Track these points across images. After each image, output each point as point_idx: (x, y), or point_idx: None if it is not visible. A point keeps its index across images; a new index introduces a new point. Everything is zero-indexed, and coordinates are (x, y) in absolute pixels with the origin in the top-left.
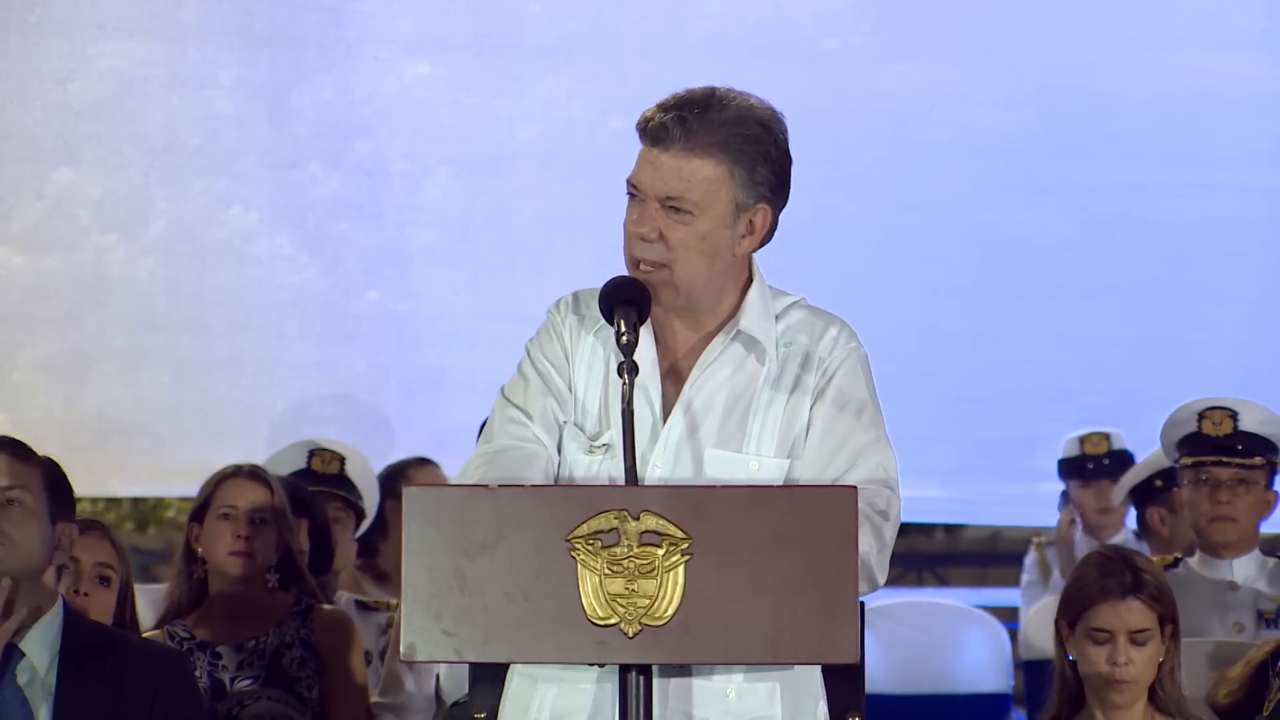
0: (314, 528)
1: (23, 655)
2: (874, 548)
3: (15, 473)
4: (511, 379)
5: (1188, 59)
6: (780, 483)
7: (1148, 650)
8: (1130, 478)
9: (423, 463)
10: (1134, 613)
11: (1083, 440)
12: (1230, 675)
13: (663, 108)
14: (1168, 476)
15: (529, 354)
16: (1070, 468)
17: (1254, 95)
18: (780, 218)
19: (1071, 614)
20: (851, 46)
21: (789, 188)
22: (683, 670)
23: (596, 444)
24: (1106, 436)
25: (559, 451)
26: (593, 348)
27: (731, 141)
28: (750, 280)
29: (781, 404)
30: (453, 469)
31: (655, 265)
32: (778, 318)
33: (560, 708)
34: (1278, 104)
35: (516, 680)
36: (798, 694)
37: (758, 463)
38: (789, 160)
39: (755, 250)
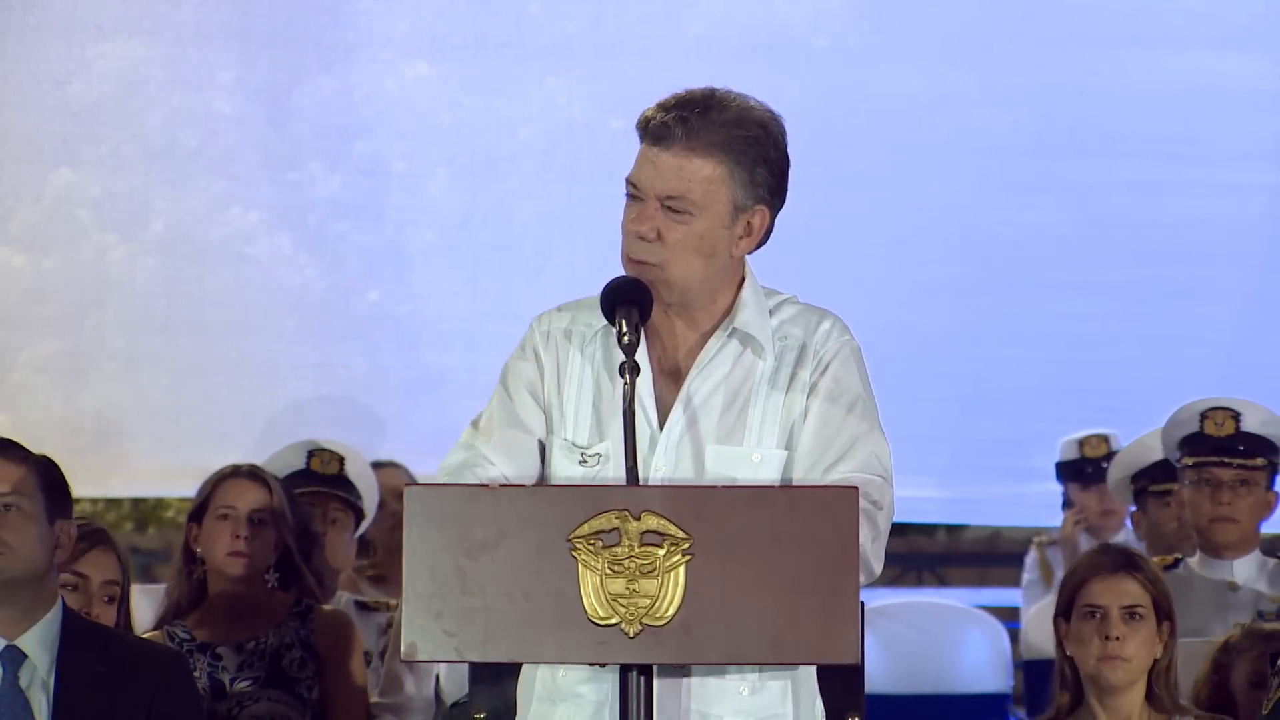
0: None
1: (24, 656)
2: (869, 537)
3: (10, 476)
4: (485, 406)
5: (1186, 58)
6: (782, 474)
7: (1142, 631)
8: (1114, 475)
9: (381, 466)
10: (1126, 588)
11: (1082, 443)
12: (1197, 675)
13: (663, 107)
14: (1137, 478)
15: (503, 380)
16: (1070, 471)
17: (1252, 94)
18: (776, 218)
19: (1066, 600)
20: (849, 46)
21: (786, 190)
22: (699, 669)
23: (589, 454)
24: (1105, 439)
25: (542, 470)
26: (581, 363)
27: (732, 142)
28: (743, 280)
29: (780, 397)
30: None
31: (651, 264)
32: (771, 313)
33: None
34: (1276, 102)
35: (536, 705)
36: (803, 692)
37: (760, 455)
38: (787, 162)
39: (752, 251)
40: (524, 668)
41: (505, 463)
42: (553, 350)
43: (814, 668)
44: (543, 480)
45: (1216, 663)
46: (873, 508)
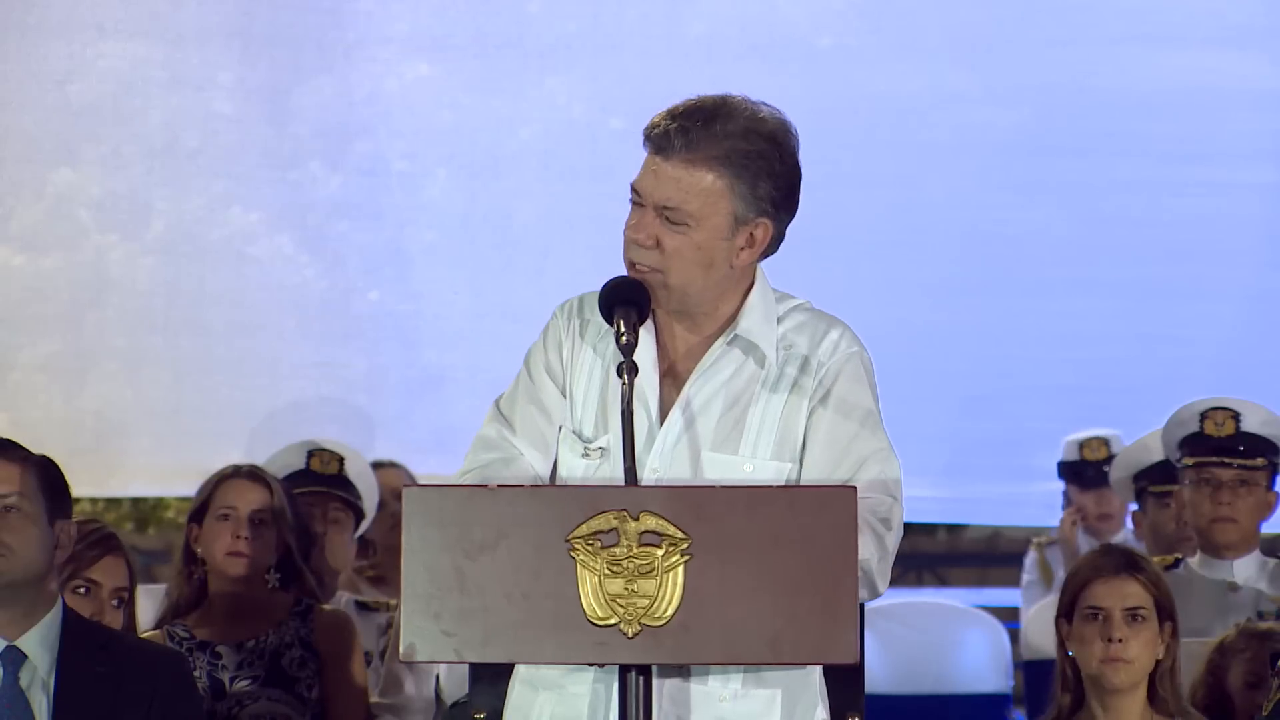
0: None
1: (25, 656)
2: (875, 555)
3: (11, 478)
4: (508, 388)
5: (1186, 56)
6: (778, 484)
7: (1144, 633)
8: (1116, 475)
9: (381, 466)
10: (1129, 590)
11: (1082, 445)
12: (1193, 677)
13: (670, 115)
14: (1138, 479)
15: (526, 363)
16: (1070, 472)
17: (1252, 92)
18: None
19: (1068, 601)
20: (849, 46)
21: (796, 202)
22: (678, 673)
23: (592, 447)
24: (1105, 441)
25: (555, 459)
26: (591, 357)
27: (734, 155)
28: (753, 285)
29: (779, 407)
30: (453, 469)
31: (649, 269)
32: (779, 320)
33: (558, 714)
34: (1276, 101)
35: (518, 688)
36: (798, 701)
37: (752, 465)
38: (797, 175)
39: (756, 261)
40: None
41: (535, 456)
42: (571, 339)
43: (818, 676)
44: (553, 467)
45: (1211, 664)
46: (881, 527)
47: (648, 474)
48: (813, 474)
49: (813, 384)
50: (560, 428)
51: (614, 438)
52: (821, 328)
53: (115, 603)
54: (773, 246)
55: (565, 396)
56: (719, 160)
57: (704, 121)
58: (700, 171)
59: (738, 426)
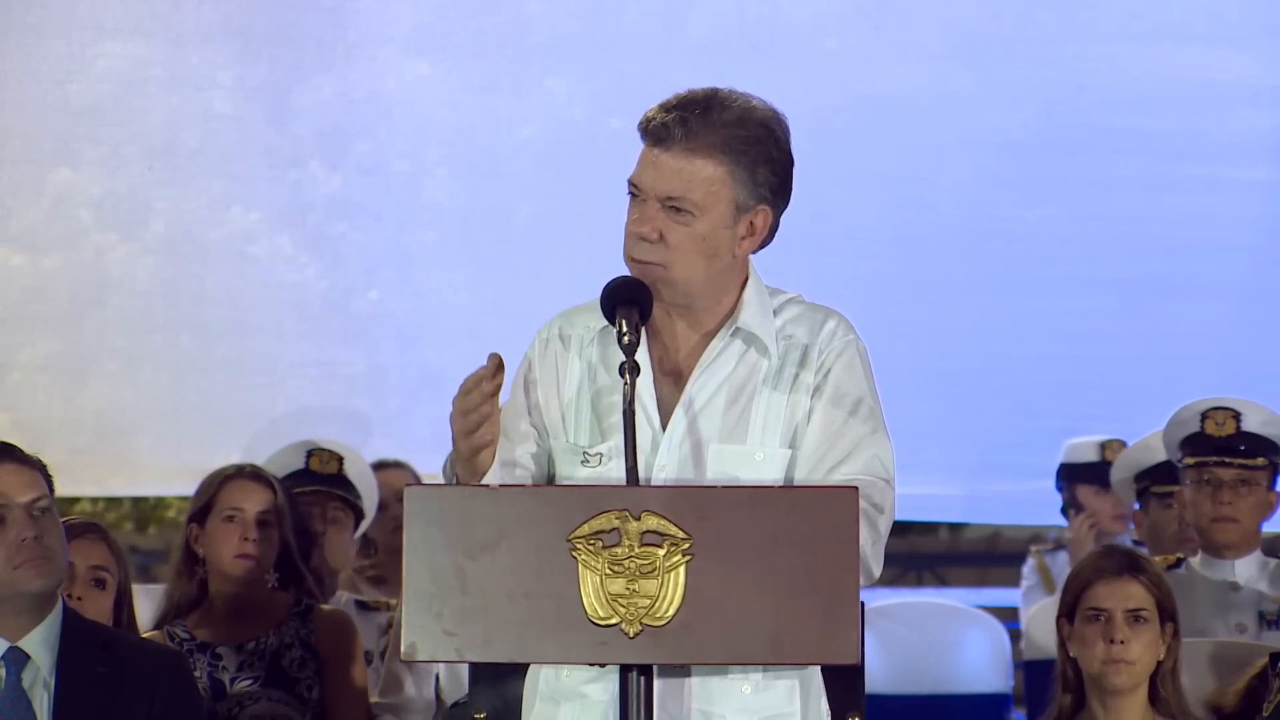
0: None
1: (27, 657)
2: (869, 539)
3: (36, 482)
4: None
5: (1184, 53)
6: (785, 473)
7: (1146, 634)
8: (1118, 475)
9: (386, 466)
10: (1131, 591)
11: (1104, 447)
12: (1232, 689)
13: (665, 108)
14: (1140, 479)
15: (512, 387)
16: (1088, 473)
17: (1251, 89)
18: (780, 218)
19: (1069, 601)
20: (851, 45)
21: (790, 189)
22: (699, 668)
23: (591, 453)
24: (1125, 443)
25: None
26: (579, 367)
27: (733, 142)
28: (747, 279)
29: (783, 397)
30: None
31: (653, 264)
32: (775, 313)
33: None
34: (1275, 97)
35: (539, 705)
36: (810, 691)
37: (762, 454)
38: (790, 162)
39: (755, 251)
40: (530, 666)
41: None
42: (550, 358)
43: (817, 667)
44: (549, 483)
45: (1251, 688)
46: (873, 510)
47: (657, 472)
48: (806, 459)
49: (813, 373)
50: (552, 441)
51: (615, 444)
52: (818, 318)
53: (93, 582)
54: (769, 236)
55: (539, 410)
56: (718, 148)
57: (701, 111)
58: (701, 160)
59: (744, 417)
